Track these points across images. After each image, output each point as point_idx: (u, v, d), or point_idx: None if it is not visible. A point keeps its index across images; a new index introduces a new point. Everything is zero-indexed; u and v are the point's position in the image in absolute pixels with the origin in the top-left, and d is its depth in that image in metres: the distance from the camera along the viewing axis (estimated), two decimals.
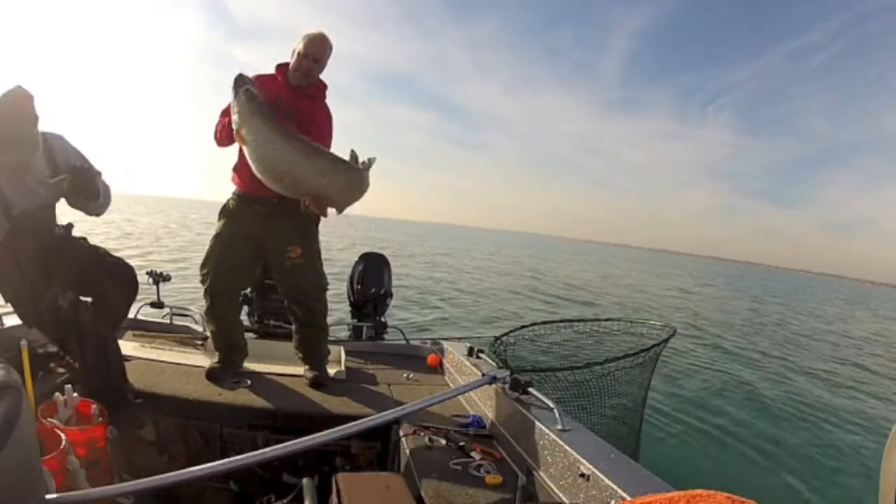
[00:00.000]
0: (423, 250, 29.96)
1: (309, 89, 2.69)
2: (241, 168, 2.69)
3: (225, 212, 2.76)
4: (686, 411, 5.72)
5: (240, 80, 2.39)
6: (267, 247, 2.70)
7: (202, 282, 2.73)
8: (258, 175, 2.39)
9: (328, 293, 2.86)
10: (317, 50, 2.63)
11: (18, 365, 2.14)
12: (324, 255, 2.84)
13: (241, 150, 2.67)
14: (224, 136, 2.60)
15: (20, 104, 2.01)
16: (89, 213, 2.36)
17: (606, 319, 3.03)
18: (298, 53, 2.62)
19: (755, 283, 54.41)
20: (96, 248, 2.40)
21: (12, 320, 2.52)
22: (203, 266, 2.73)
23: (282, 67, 2.70)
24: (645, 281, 29.57)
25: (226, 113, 2.57)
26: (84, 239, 2.40)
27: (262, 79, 2.64)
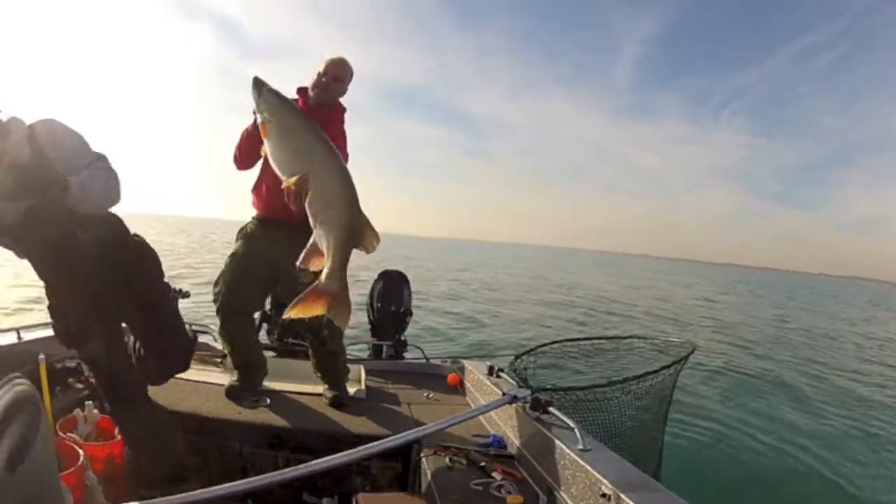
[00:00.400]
0: (442, 267, 29.98)
1: (327, 109, 2.71)
2: (259, 188, 2.71)
3: (242, 233, 2.78)
4: (710, 426, 5.65)
5: (261, 81, 2.21)
6: (281, 269, 2.68)
7: (214, 301, 2.73)
8: (277, 167, 2.13)
9: None
10: (337, 69, 2.67)
11: (36, 380, 2.15)
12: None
13: (260, 170, 2.70)
14: (244, 150, 2.58)
15: (51, 134, 1.81)
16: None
17: (626, 337, 3.03)
18: (318, 73, 2.67)
19: (777, 289, 53.72)
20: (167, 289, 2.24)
21: (30, 334, 2.53)
22: (215, 284, 2.74)
23: (302, 90, 2.73)
24: (669, 291, 29.29)
25: (247, 133, 2.56)
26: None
27: None
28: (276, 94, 2.10)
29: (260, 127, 2.11)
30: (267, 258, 2.70)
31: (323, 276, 1.87)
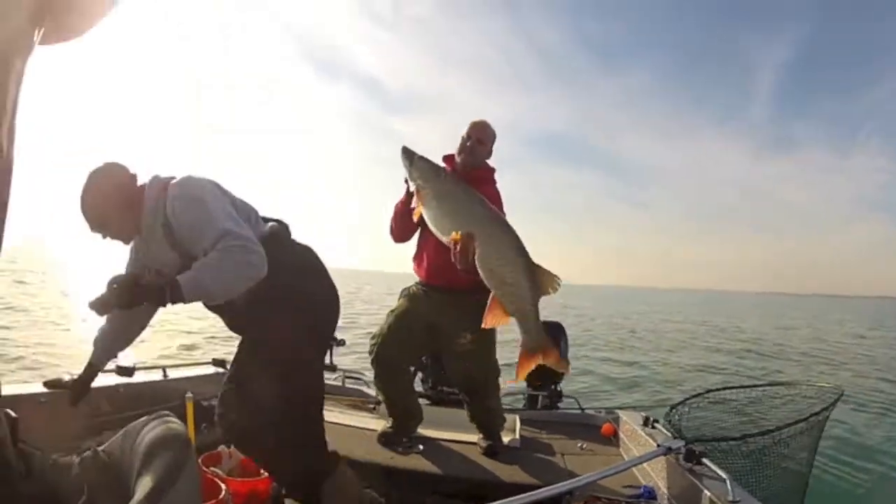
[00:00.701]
0: (599, 314, 29.01)
1: (478, 172, 2.73)
2: (420, 258, 2.78)
3: (406, 293, 2.86)
4: (867, 467, 5.15)
5: (409, 149, 2.23)
6: (441, 331, 2.72)
7: (370, 352, 2.77)
8: (439, 231, 2.14)
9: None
10: (479, 132, 2.71)
11: (182, 415, 2.25)
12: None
13: (420, 240, 2.75)
14: (400, 224, 2.63)
15: (98, 183, 1.83)
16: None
17: (780, 384, 3.04)
18: (462, 138, 2.70)
19: None
20: None
21: (175, 373, 2.68)
22: (373, 337, 2.79)
23: (448, 157, 2.77)
24: (822, 329, 26.42)
25: (400, 206, 2.60)
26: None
27: None
28: (428, 161, 2.14)
29: (415, 195, 2.12)
30: (428, 319, 2.75)
31: (524, 334, 1.90)
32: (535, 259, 1.92)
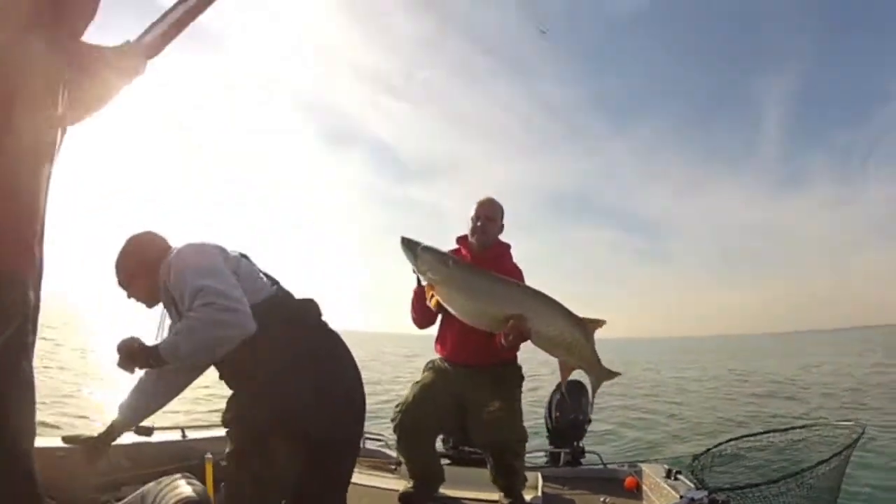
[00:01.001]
0: (622, 367, 28.48)
1: (492, 250, 2.77)
2: (444, 339, 2.80)
3: (430, 366, 2.88)
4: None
5: (410, 241, 2.32)
6: (468, 401, 2.71)
7: (392, 419, 2.76)
8: (466, 319, 2.30)
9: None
10: (486, 210, 2.76)
11: (201, 474, 2.25)
12: (527, 379, 2.87)
13: (442, 322, 2.77)
14: (421, 313, 2.68)
15: (125, 250, 1.90)
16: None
17: (798, 427, 3.01)
18: (471, 218, 2.75)
19: None
20: None
21: (194, 433, 2.69)
22: (397, 406, 2.78)
23: (462, 239, 2.83)
24: (841, 363, 25.89)
25: (415, 296, 2.65)
26: None
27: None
28: (432, 251, 2.23)
29: (426, 287, 2.27)
30: (453, 391, 2.74)
31: (591, 376, 2.50)
32: None
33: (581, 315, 2.37)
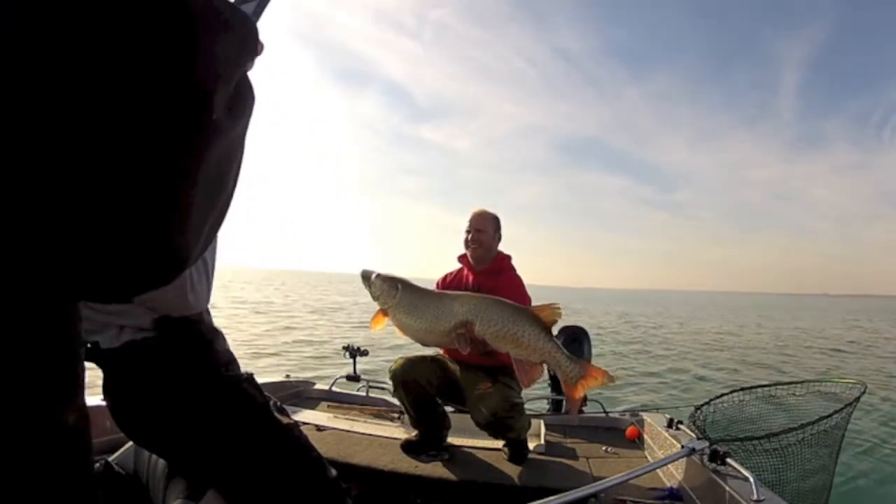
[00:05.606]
0: (624, 319, 28.39)
1: (492, 265, 2.83)
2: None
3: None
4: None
5: (367, 272, 2.33)
6: (461, 379, 2.78)
7: (390, 369, 2.81)
8: (419, 340, 2.27)
9: None
10: (478, 222, 2.82)
11: None
12: None
13: None
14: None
15: None
16: None
17: (800, 381, 3.01)
18: (465, 233, 2.82)
19: None
20: None
21: None
22: (397, 361, 2.83)
23: (462, 258, 2.91)
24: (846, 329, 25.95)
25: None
26: None
27: (450, 276, 2.91)
28: (384, 277, 2.22)
29: (379, 314, 2.23)
30: (449, 371, 2.83)
31: (558, 371, 2.06)
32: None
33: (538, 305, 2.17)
